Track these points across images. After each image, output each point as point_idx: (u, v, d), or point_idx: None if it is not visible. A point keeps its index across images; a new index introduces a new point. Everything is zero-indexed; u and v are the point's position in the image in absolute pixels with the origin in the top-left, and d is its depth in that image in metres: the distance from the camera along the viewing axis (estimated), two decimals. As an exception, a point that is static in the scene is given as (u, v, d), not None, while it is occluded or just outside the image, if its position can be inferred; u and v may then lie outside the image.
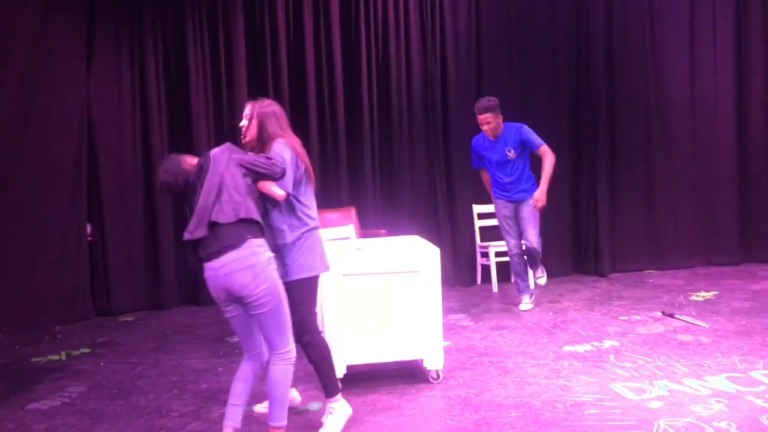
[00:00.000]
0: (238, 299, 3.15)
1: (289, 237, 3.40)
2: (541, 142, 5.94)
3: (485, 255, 7.24)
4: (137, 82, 6.86)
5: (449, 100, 7.49)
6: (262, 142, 3.43)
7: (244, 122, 3.50)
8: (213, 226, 3.13)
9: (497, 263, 7.10)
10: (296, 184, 3.40)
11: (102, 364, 5.01)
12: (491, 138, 5.92)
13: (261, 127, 3.42)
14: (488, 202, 7.45)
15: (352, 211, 6.95)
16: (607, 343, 4.94)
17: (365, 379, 4.21)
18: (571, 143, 7.83)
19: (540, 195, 5.86)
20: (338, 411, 3.51)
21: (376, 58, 7.39)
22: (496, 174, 6.05)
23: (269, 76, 7.08)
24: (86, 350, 5.40)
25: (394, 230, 6.47)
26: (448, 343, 4.95)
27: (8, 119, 6.09)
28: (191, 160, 3.34)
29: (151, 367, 4.85)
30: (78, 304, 6.49)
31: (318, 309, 4.54)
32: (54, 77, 6.38)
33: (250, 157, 3.27)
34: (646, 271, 7.74)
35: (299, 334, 3.39)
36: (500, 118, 5.92)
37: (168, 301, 6.91)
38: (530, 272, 6.27)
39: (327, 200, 6.94)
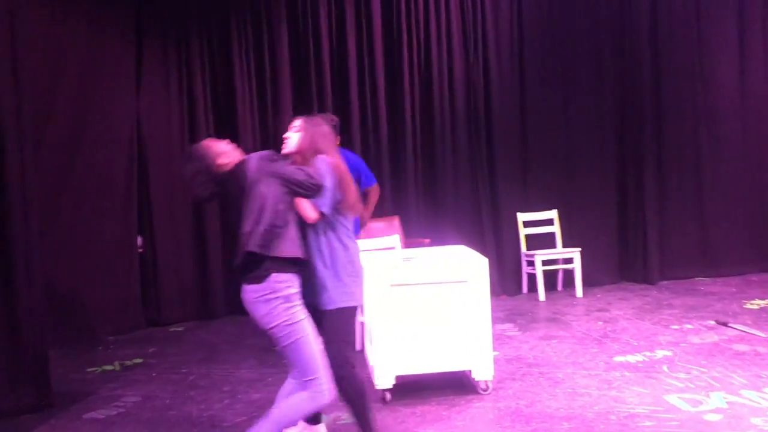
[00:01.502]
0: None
1: (336, 261, 3.23)
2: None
3: (531, 263, 7.18)
4: (185, 97, 7.02)
5: (492, 106, 7.47)
6: (306, 157, 3.28)
7: (291, 134, 3.37)
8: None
9: (544, 272, 7.04)
10: (336, 205, 3.23)
11: (154, 374, 5.11)
12: None
13: (310, 141, 3.28)
14: (534, 209, 7.43)
15: (396, 221, 6.95)
16: (660, 353, 4.85)
17: (414, 390, 4.21)
18: (617, 148, 7.73)
19: None
20: None
21: (418, 64, 7.43)
22: None
23: (313, 88, 7.18)
24: (139, 360, 5.51)
25: (437, 239, 6.46)
26: (496, 353, 4.91)
27: (62, 136, 6.27)
28: (220, 159, 3.16)
29: (203, 377, 4.92)
30: (130, 315, 6.64)
31: (365, 320, 4.57)
32: (105, 94, 6.57)
33: (291, 170, 3.11)
34: (697, 279, 7.58)
35: (335, 366, 3.17)
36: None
37: (216, 311, 7.02)
38: None
39: (371, 210, 6.97)
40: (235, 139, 7.07)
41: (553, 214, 7.42)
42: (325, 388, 3.05)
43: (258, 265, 3.02)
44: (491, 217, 7.45)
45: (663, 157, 7.71)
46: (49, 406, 4.31)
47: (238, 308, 6.98)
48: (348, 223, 3.31)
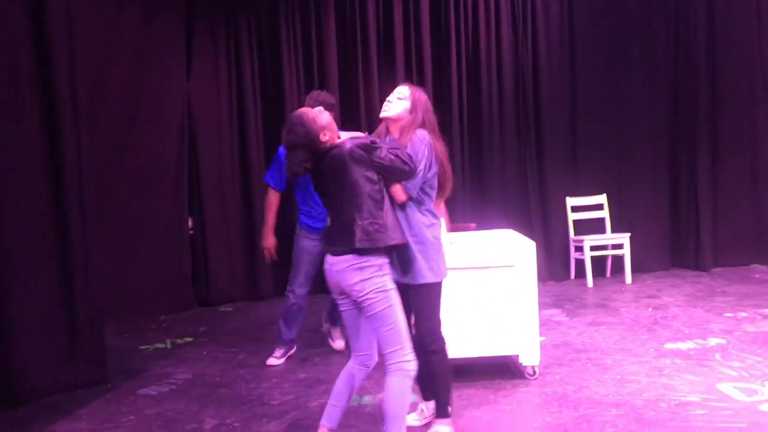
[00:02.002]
0: (349, 295, 3.06)
1: (424, 237, 3.18)
2: None
3: (579, 249, 7.09)
4: (234, 79, 7.10)
5: (541, 90, 7.37)
6: (404, 126, 3.20)
7: (395, 98, 3.25)
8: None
9: (592, 258, 6.94)
10: (426, 183, 3.17)
11: (205, 352, 5.22)
12: None
13: (414, 110, 3.18)
14: (583, 193, 7.31)
15: (442, 205, 6.90)
16: (713, 341, 4.74)
17: (460, 373, 4.20)
18: (670, 131, 7.56)
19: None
20: None
21: (466, 48, 7.36)
22: (307, 198, 4.65)
23: (359, 74, 7.21)
24: (189, 339, 5.64)
25: (483, 224, 6.42)
26: (543, 338, 4.87)
27: (115, 119, 6.42)
28: (324, 137, 3.01)
29: (251, 356, 5.02)
30: (180, 295, 6.79)
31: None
32: (156, 78, 6.68)
33: (389, 158, 2.98)
34: (752, 266, 7.38)
35: (428, 341, 3.21)
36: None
37: (265, 291, 7.13)
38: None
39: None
40: (282, 120, 7.15)
41: (602, 198, 7.30)
42: (410, 357, 3.00)
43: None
44: (539, 202, 7.38)
45: (717, 140, 7.50)
46: (104, 382, 4.46)
47: (285, 289, 7.15)
48: (430, 199, 3.25)
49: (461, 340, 4.11)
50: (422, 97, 3.27)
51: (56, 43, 4.29)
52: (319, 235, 4.53)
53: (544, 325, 5.30)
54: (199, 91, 6.97)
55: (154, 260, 6.64)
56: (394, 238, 3.01)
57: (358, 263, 2.97)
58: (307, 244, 4.65)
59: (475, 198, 7.33)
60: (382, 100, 7.58)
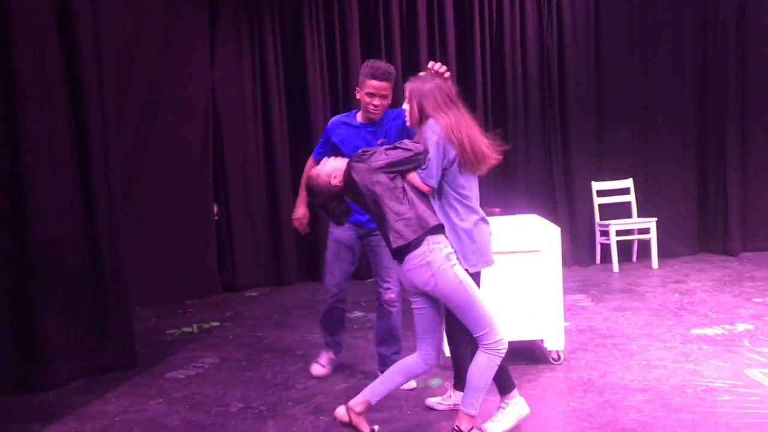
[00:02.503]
0: (425, 293, 3.09)
1: (451, 227, 3.14)
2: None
3: (605, 234, 7.03)
4: (257, 65, 7.12)
5: (566, 72, 7.28)
6: (414, 124, 3.23)
7: (405, 105, 3.25)
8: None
9: (618, 242, 6.88)
10: (446, 171, 3.11)
11: (231, 337, 5.27)
12: (365, 121, 3.91)
13: (420, 108, 3.16)
14: (609, 178, 7.23)
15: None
16: (741, 327, 4.68)
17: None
18: (698, 113, 7.45)
19: None
20: (511, 407, 3.24)
21: (490, 33, 7.30)
22: None
23: (383, 55, 7.14)
24: (215, 323, 5.70)
25: (508, 209, 6.39)
26: (568, 323, 4.85)
27: (140, 105, 6.46)
28: (334, 179, 3.20)
29: (277, 341, 5.06)
30: (206, 280, 6.86)
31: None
32: (180, 65, 6.72)
33: (387, 156, 3.06)
34: (782, 250, 7.27)
35: (467, 332, 3.16)
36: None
37: (289, 277, 7.18)
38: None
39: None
40: (306, 105, 7.21)
41: (628, 182, 7.22)
42: (500, 337, 3.04)
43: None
44: (564, 187, 7.32)
45: (746, 122, 7.37)
46: (133, 365, 4.53)
47: (310, 274, 7.23)
48: (462, 186, 3.14)
49: (485, 325, 4.10)
50: (415, 85, 3.20)
51: (82, 30, 4.33)
52: (357, 226, 4.01)
53: (569, 310, 5.27)
54: (223, 77, 7.00)
55: (181, 246, 6.71)
56: (429, 222, 3.03)
57: (417, 261, 3.00)
58: (340, 233, 4.07)
59: (499, 183, 7.29)
60: (404, 83, 7.53)
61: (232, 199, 7.05)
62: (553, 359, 4.15)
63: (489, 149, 3.19)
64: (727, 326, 4.72)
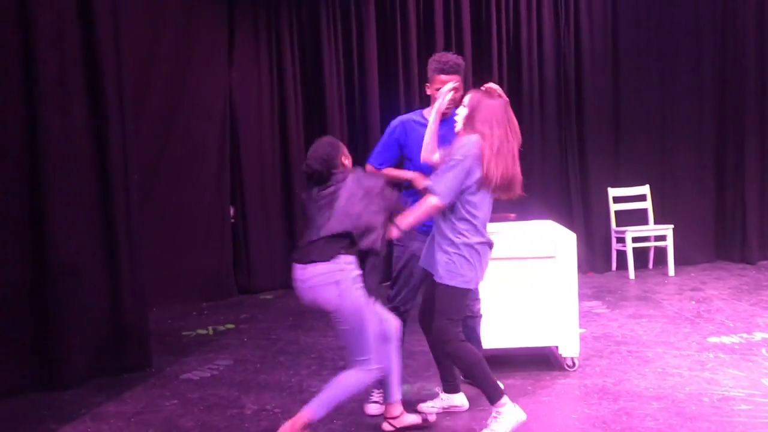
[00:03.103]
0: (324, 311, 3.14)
1: (440, 238, 3.19)
2: None
3: (621, 240, 6.99)
4: (275, 69, 7.16)
5: (583, 76, 7.26)
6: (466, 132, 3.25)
7: (462, 110, 3.30)
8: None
9: (634, 249, 6.84)
10: (464, 191, 3.12)
11: (245, 339, 5.30)
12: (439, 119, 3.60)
13: (471, 118, 3.22)
14: (626, 184, 7.19)
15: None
16: (758, 336, 4.64)
17: (499, 363, 4.18)
18: (715, 119, 7.41)
19: None
20: (504, 415, 3.16)
21: (506, 36, 7.30)
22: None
23: (399, 60, 7.19)
24: (231, 326, 5.73)
25: (523, 214, 6.36)
26: (583, 330, 4.83)
27: (159, 109, 6.53)
28: (346, 159, 3.26)
29: (291, 344, 5.08)
30: (222, 282, 6.90)
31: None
32: (199, 69, 6.77)
33: (375, 194, 3.13)
34: (801, 259, 7.19)
35: (439, 342, 3.23)
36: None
37: (304, 280, 7.18)
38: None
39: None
40: (322, 109, 7.23)
41: (645, 189, 7.17)
42: (375, 367, 3.13)
43: (320, 246, 3.11)
44: (580, 192, 7.28)
45: (765, 128, 7.30)
46: (148, 367, 4.56)
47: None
48: (474, 207, 3.15)
49: (501, 331, 4.10)
50: (477, 96, 3.27)
51: (103, 34, 4.38)
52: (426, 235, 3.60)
53: (585, 317, 5.25)
54: (240, 79, 7.04)
55: (197, 248, 6.75)
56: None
57: (324, 277, 3.08)
58: (417, 246, 3.62)
59: (514, 188, 7.26)
60: (421, 87, 7.57)
61: (249, 202, 7.09)
62: (568, 366, 4.13)
63: (518, 182, 3.24)
64: (744, 335, 4.68)
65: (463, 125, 3.25)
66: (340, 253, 3.05)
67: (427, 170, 3.46)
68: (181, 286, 6.60)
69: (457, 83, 3.58)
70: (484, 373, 3.20)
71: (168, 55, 6.58)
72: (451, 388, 3.65)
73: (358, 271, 3.10)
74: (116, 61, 4.47)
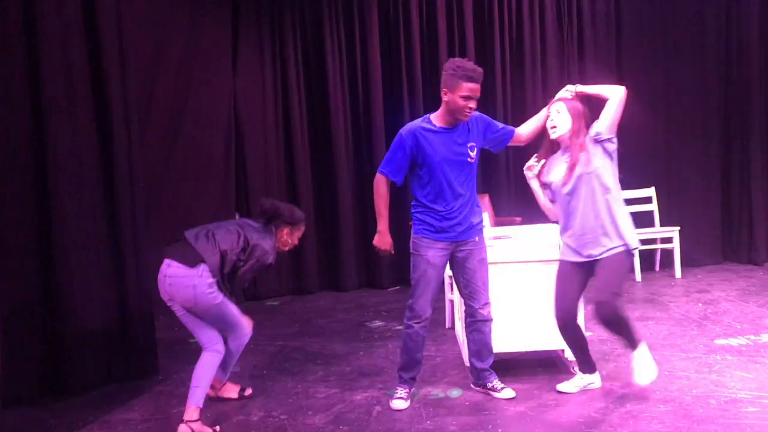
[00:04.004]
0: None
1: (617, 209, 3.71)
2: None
3: (627, 242, 6.96)
4: (279, 76, 7.18)
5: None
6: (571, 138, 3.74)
7: (559, 117, 3.77)
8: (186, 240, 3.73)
9: (641, 252, 6.81)
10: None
11: (252, 346, 5.27)
12: (445, 125, 3.73)
13: (579, 126, 3.76)
14: (631, 186, 7.17)
15: (486, 199, 6.89)
16: (765, 337, 4.63)
17: (506, 368, 4.19)
18: (721, 121, 7.40)
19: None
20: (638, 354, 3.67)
21: (509, 36, 7.31)
22: (437, 192, 3.73)
23: (402, 68, 7.23)
24: (237, 332, 5.72)
25: (529, 218, 6.36)
26: (590, 333, 4.80)
27: (164, 117, 6.55)
28: (288, 236, 4.02)
29: (297, 350, 5.08)
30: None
31: (455, 298, 4.57)
32: (203, 75, 6.79)
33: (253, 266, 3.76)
34: (809, 260, 7.16)
35: (617, 318, 3.60)
36: None
37: (310, 286, 7.21)
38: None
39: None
40: (326, 115, 7.24)
41: (650, 191, 7.16)
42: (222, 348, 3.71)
43: (189, 250, 3.69)
44: (584, 195, 7.26)
45: (772, 130, 7.29)
46: (155, 374, 4.58)
47: (331, 284, 7.26)
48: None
49: (506, 335, 4.11)
50: (576, 104, 3.81)
51: (107, 41, 4.40)
52: (451, 243, 3.74)
53: (591, 320, 5.22)
54: (244, 87, 7.07)
55: (203, 255, 6.74)
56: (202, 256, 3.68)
57: (186, 280, 3.61)
58: (435, 255, 3.72)
59: (520, 191, 7.25)
60: (425, 91, 7.57)
61: (254, 209, 7.09)
62: (574, 369, 4.12)
63: None
64: (752, 336, 4.66)
65: (572, 131, 3.72)
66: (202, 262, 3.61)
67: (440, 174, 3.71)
68: (187, 294, 6.59)
69: (479, 93, 3.67)
70: (624, 326, 3.65)
71: (172, 63, 6.60)
72: (591, 368, 3.89)
73: (213, 280, 3.60)
74: (121, 71, 4.50)
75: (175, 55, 6.62)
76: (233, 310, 3.78)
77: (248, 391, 4.15)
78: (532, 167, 3.87)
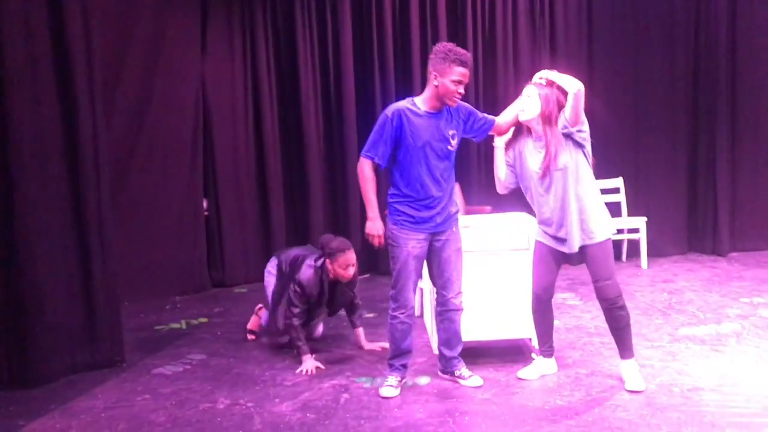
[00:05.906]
0: None
1: (591, 201, 3.76)
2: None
3: (594, 232, 7.03)
4: (249, 60, 7.07)
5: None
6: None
7: (530, 101, 3.80)
8: None
9: (607, 241, 6.88)
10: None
11: (219, 333, 5.26)
12: (430, 109, 3.68)
13: (551, 110, 3.76)
14: (599, 176, 7.19)
15: (456, 188, 6.89)
16: (728, 327, 4.71)
17: (473, 356, 4.20)
18: (688, 113, 7.48)
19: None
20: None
21: (482, 30, 7.30)
22: (418, 179, 3.68)
23: (375, 53, 7.16)
24: (204, 320, 5.68)
25: (498, 207, 6.39)
26: (557, 322, 4.85)
27: (131, 100, 6.42)
28: (337, 266, 4.27)
29: (265, 337, 5.04)
30: (195, 276, 6.83)
31: (424, 287, 4.58)
32: (171, 60, 6.66)
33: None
34: (770, 251, 7.31)
35: (616, 303, 3.80)
36: None
37: (278, 273, 7.14)
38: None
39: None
40: (297, 101, 7.18)
41: (618, 182, 7.23)
42: None
43: None
44: (554, 185, 7.31)
45: (737, 123, 7.41)
46: (121, 362, 4.51)
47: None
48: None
49: (474, 323, 4.12)
50: (550, 92, 3.76)
51: (72, 23, 4.29)
52: (430, 234, 3.73)
53: (558, 308, 5.27)
54: (213, 71, 6.95)
55: (170, 241, 6.67)
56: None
57: None
58: (416, 247, 3.70)
59: (489, 181, 7.26)
60: (397, 81, 7.50)
61: (222, 195, 7.02)
62: (533, 356, 4.15)
63: None
64: (715, 326, 4.75)
65: (545, 114, 3.72)
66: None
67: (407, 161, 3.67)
68: (153, 280, 6.52)
69: (468, 78, 3.67)
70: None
71: (139, 44, 6.46)
72: (550, 353, 3.97)
73: None
74: (86, 51, 4.38)
75: (143, 37, 6.48)
76: None
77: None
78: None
